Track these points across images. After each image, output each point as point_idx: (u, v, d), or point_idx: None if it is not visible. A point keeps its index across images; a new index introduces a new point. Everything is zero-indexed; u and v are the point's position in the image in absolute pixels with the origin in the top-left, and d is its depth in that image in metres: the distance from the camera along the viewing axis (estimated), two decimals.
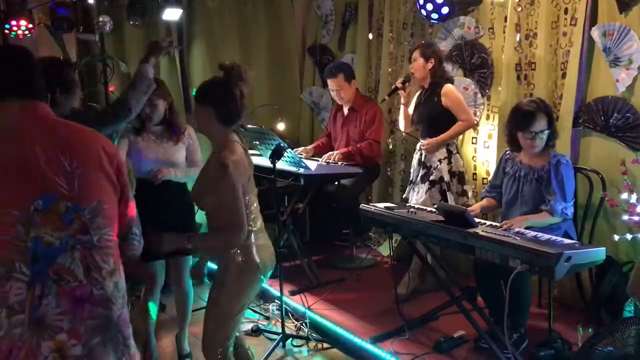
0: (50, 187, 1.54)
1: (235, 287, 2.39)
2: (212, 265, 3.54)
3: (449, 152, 3.79)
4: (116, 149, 1.74)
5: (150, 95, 2.77)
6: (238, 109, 2.40)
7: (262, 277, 2.44)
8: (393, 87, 3.91)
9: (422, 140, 3.91)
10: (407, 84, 3.90)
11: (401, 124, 4.07)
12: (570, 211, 3.01)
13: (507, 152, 3.29)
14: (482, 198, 3.40)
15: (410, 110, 3.99)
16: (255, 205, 2.46)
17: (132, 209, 1.79)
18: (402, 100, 3.98)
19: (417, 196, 3.84)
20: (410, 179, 4.04)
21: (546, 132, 3.03)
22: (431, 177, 3.78)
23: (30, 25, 5.25)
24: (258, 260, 2.40)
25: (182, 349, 3.35)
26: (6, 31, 5.21)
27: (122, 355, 1.64)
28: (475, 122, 4.20)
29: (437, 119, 3.77)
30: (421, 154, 3.88)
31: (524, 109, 3.07)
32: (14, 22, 5.15)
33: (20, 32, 5.19)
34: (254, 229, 2.42)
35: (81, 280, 1.55)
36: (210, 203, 2.37)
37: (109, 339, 1.60)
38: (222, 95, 2.36)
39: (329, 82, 4.39)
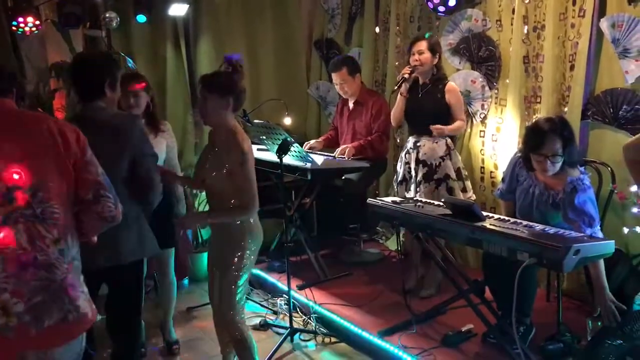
0: None
1: (249, 252, 2.69)
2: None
3: (448, 148, 3.76)
4: (71, 130, 1.91)
5: (134, 87, 3.07)
6: (243, 98, 2.72)
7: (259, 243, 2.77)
8: (400, 78, 3.86)
9: (411, 137, 3.86)
10: (412, 75, 3.82)
11: (394, 117, 3.97)
12: (600, 234, 2.83)
13: (520, 161, 3.08)
14: (499, 198, 3.34)
15: None
16: None
17: (96, 175, 1.94)
18: (402, 91, 3.85)
19: (413, 195, 3.75)
20: (399, 178, 3.94)
21: (559, 157, 2.79)
22: (435, 176, 3.73)
23: (37, 22, 5.24)
24: (258, 225, 2.74)
25: (170, 336, 3.51)
26: (13, 28, 5.22)
27: (68, 313, 1.82)
28: (483, 115, 4.19)
29: (441, 116, 3.72)
30: (418, 152, 3.79)
31: (537, 128, 2.84)
32: (21, 19, 5.15)
33: (27, 28, 5.19)
34: None
35: (25, 248, 1.76)
36: (226, 185, 2.62)
37: (52, 298, 1.79)
38: (236, 87, 2.65)
39: (333, 75, 4.38)
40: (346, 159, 4.13)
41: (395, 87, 3.98)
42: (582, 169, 2.98)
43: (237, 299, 2.70)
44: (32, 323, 1.76)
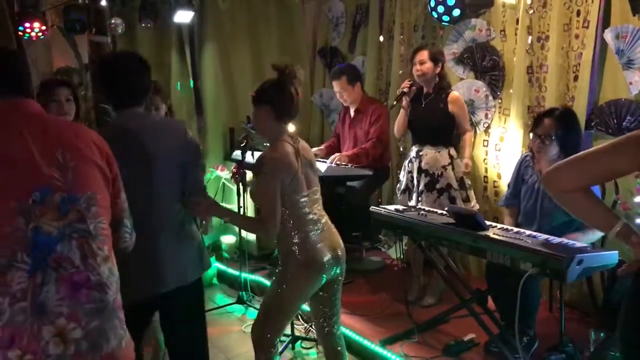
0: (46, 180, 1.60)
1: (293, 283, 2.49)
2: None
3: (451, 158, 3.75)
4: (104, 142, 1.79)
5: (154, 98, 2.94)
6: (292, 106, 2.50)
7: (323, 275, 2.51)
8: (399, 92, 3.86)
9: (414, 147, 3.86)
10: (412, 88, 3.82)
11: (397, 130, 3.97)
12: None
13: (527, 158, 3.21)
14: (503, 206, 3.35)
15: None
16: (308, 205, 2.51)
17: (123, 201, 1.85)
18: (404, 105, 3.86)
19: (415, 204, 3.73)
20: (402, 187, 3.94)
21: (551, 138, 2.93)
22: (438, 185, 3.72)
23: (44, 27, 5.29)
24: (317, 260, 2.48)
25: None
26: (20, 33, 5.26)
27: (122, 339, 1.67)
28: (487, 124, 4.20)
29: (444, 125, 3.73)
30: (420, 161, 3.78)
31: (540, 112, 3.06)
32: (27, 24, 5.20)
33: (33, 34, 5.24)
34: (312, 231, 2.50)
35: (78, 267, 1.61)
36: (255, 196, 2.56)
37: (107, 322, 1.64)
38: (277, 94, 2.45)
39: (333, 83, 4.43)
40: (336, 166, 4.12)
41: (395, 102, 3.99)
42: None
43: (275, 333, 2.56)
44: (90, 351, 1.59)
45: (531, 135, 3.07)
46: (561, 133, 2.94)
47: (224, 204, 3.23)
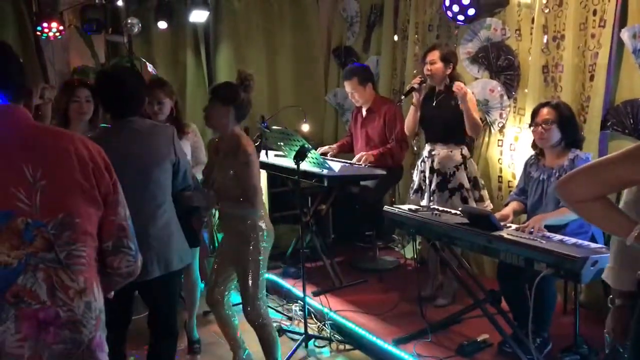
0: (7, 203, 1.41)
1: (263, 246, 2.91)
2: None
3: (464, 157, 3.74)
4: (97, 153, 1.59)
5: (156, 92, 3.19)
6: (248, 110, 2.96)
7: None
8: (409, 87, 3.86)
9: (427, 145, 3.86)
10: (423, 84, 3.82)
11: (408, 127, 3.98)
12: None
13: (532, 157, 3.27)
14: (509, 202, 3.35)
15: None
16: None
17: (122, 219, 1.62)
18: (414, 102, 3.85)
19: (427, 204, 3.73)
20: (415, 187, 3.94)
21: (551, 124, 3.03)
22: (450, 185, 3.71)
23: (61, 27, 5.35)
24: (270, 227, 2.96)
25: (192, 335, 3.54)
26: (38, 33, 5.33)
27: None
28: (501, 124, 4.18)
29: (456, 123, 3.70)
30: (433, 161, 3.78)
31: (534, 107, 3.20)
32: (45, 24, 5.27)
33: (51, 33, 5.30)
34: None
35: (44, 302, 1.41)
36: (234, 185, 2.81)
37: None
38: (239, 97, 2.86)
39: (345, 83, 4.44)
40: (363, 166, 4.14)
41: (403, 97, 3.98)
42: (589, 155, 3.13)
43: (261, 289, 2.92)
44: None
45: (531, 128, 3.16)
46: (559, 118, 3.04)
47: None
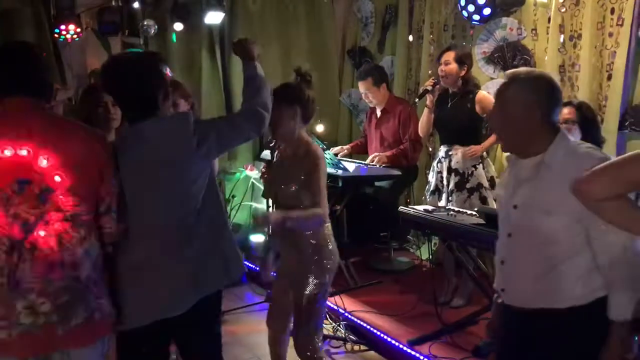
0: (26, 173, 1.78)
1: (324, 268, 2.62)
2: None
3: (481, 157, 3.71)
4: (93, 139, 1.91)
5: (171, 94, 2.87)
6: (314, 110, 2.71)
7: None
8: (423, 89, 3.84)
9: (443, 147, 3.83)
10: (437, 86, 3.80)
11: (422, 129, 3.96)
12: None
13: None
14: None
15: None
16: None
17: (115, 186, 1.95)
18: (428, 104, 3.83)
19: (445, 205, 3.69)
20: (431, 188, 3.90)
21: (572, 124, 2.93)
22: (468, 185, 3.68)
23: (79, 30, 5.42)
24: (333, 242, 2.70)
25: None
26: (56, 35, 5.40)
27: (94, 311, 1.86)
28: None
29: (470, 126, 3.69)
30: (450, 161, 3.75)
31: None
32: (63, 27, 5.33)
33: (69, 36, 5.37)
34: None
35: (53, 248, 1.79)
36: (301, 195, 2.56)
37: (78, 297, 1.82)
38: (304, 95, 2.65)
39: (359, 84, 4.45)
40: (377, 166, 4.13)
41: (417, 99, 3.97)
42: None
43: (318, 320, 2.61)
44: (59, 323, 1.79)
45: None
46: (581, 119, 2.93)
47: (253, 204, 3.30)
